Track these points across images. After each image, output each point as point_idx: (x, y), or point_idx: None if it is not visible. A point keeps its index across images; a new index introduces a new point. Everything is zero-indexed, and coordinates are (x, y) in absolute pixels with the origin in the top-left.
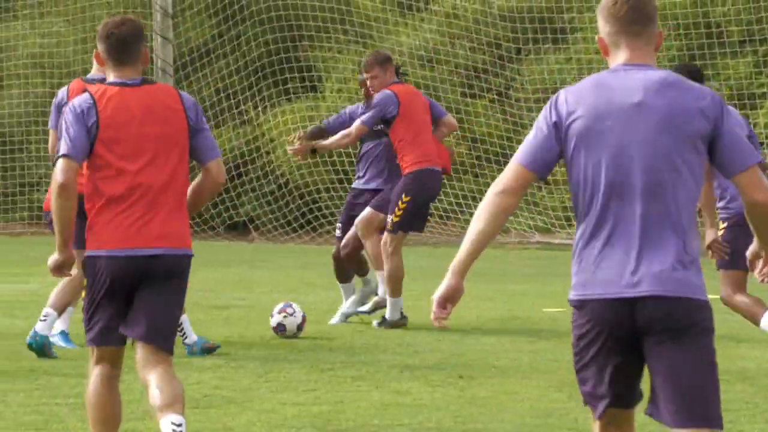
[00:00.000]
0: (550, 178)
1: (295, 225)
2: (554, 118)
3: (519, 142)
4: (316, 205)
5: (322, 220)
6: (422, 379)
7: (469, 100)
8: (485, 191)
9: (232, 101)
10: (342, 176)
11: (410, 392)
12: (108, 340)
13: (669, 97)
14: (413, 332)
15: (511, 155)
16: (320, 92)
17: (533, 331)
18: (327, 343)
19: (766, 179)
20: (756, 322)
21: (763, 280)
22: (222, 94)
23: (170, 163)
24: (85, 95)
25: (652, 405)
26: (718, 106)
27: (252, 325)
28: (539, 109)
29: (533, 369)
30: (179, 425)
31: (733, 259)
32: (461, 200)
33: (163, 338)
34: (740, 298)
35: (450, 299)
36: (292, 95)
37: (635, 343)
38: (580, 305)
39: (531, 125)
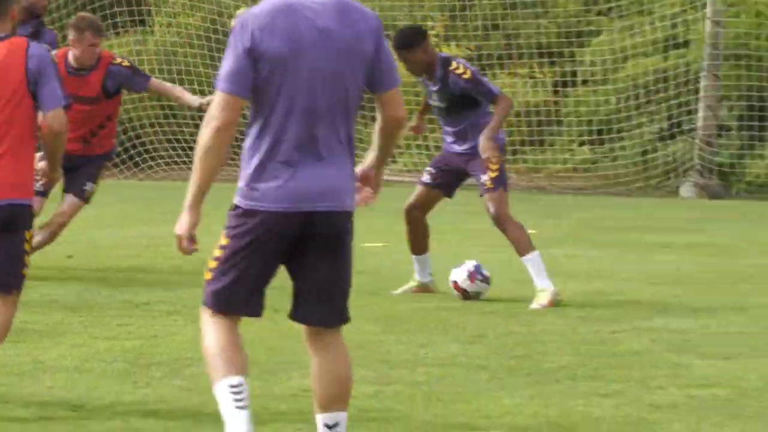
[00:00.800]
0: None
1: (116, 160)
2: (247, 44)
3: None
4: (140, 140)
5: (145, 156)
6: None
7: None
8: None
9: (59, 35)
10: (168, 111)
11: None
12: None
13: (348, 22)
14: None
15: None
16: (149, 26)
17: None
18: (143, 277)
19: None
20: (521, 251)
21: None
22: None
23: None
24: None
25: (296, 310)
26: (381, 27)
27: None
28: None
29: (350, 302)
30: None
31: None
32: None
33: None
34: (513, 221)
35: (194, 232)
36: (120, 29)
37: (291, 251)
38: (250, 213)
39: None
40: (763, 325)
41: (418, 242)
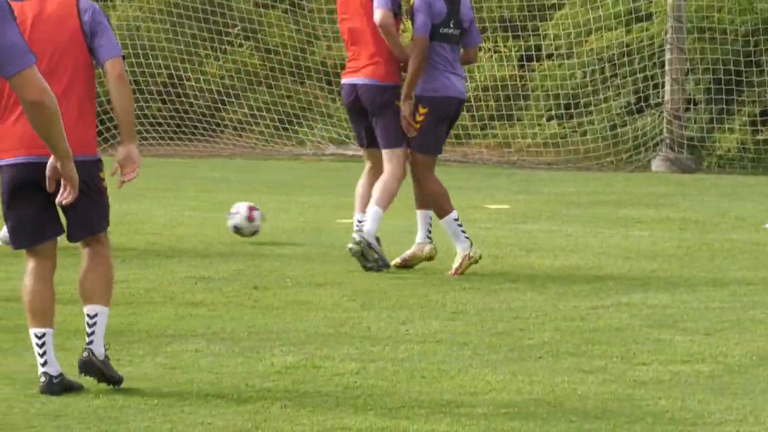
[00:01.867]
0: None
1: None
2: None
3: (313, 53)
4: (108, 115)
5: (114, 131)
6: (217, 291)
7: (262, 10)
8: (279, 103)
9: None
10: (133, 87)
11: (204, 303)
12: None
13: None
14: (207, 244)
15: (306, 66)
16: (110, 1)
17: (327, 241)
18: (120, 254)
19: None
20: (440, 213)
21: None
22: None
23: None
24: None
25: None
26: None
27: None
28: (333, 21)
29: (327, 279)
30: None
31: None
32: (255, 111)
33: None
34: (435, 183)
35: None
36: None
37: None
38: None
39: (325, 36)
40: (744, 300)
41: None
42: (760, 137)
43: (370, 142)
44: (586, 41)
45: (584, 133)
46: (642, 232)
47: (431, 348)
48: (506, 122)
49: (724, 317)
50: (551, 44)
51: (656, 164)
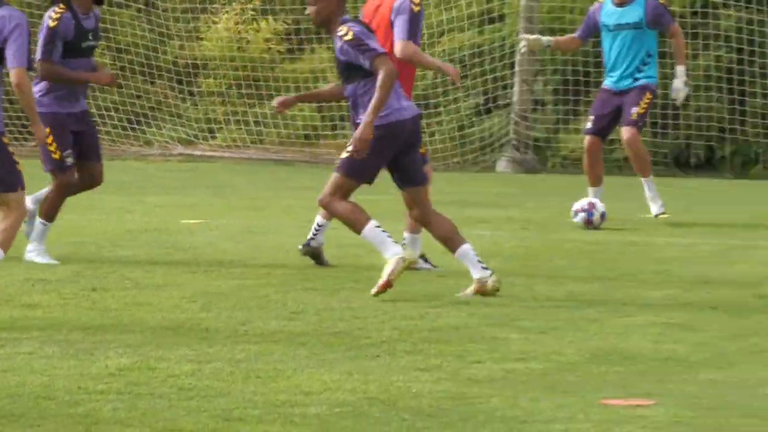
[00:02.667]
0: (195, 89)
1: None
2: None
3: (165, 52)
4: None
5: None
6: (54, 293)
7: (115, 9)
8: (128, 102)
9: None
10: None
11: (41, 305)
12: None
13: None
14: (48, 245)
15: (157, 66)
16: None
17: (169, 242)
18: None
19: None
20: (358, 229)
21: None
22: None
23: None
24: None
25: None
26: None
27: None
28: (186, 20)
29: (167, 281)
30: None
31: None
32: (103, 111)
33: None
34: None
35: None
36: None
37: None
38: None
39: (177, 36)
40: (579, 299)
41: None
42: None
43: None
44: (439, 42)
45: (432, 134)
46: (484, 231)
47: (268, 348)
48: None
49: (559, 316)
50: None
51: (502, 165)
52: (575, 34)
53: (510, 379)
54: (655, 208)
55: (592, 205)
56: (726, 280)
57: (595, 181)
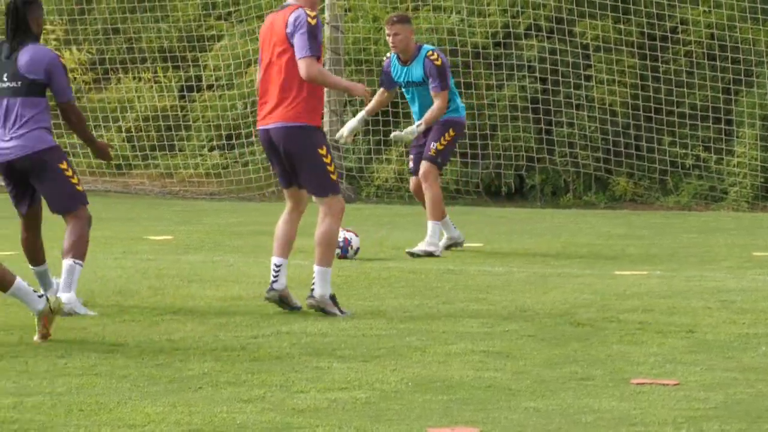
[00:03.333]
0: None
1: None
2: None
3: None
4: None
5: None
6: None
7: None
8: None
9: None
10: None
11: None
12: None
13: None
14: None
15: None
16: None
17: None
18: None
19: None
20: None
21: None
22: None
23: None
24: None
25: None
26: None
27: None
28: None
29: None
30: None
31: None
32: None
33: None
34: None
35: None
36: None
37: None
38: None
39: None
40: (399, 327)
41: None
42: None
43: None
44: (246, 72)
45: (246, 164)
46: (301, 261)
47: (90, 381)
48: (168, 152)
49: (380, 344)
50: (211, 75)
51: None
52: (381, 88)
53: (334, 408)
54: (421, 246)
55: (347, 240)
56: (542, 308)
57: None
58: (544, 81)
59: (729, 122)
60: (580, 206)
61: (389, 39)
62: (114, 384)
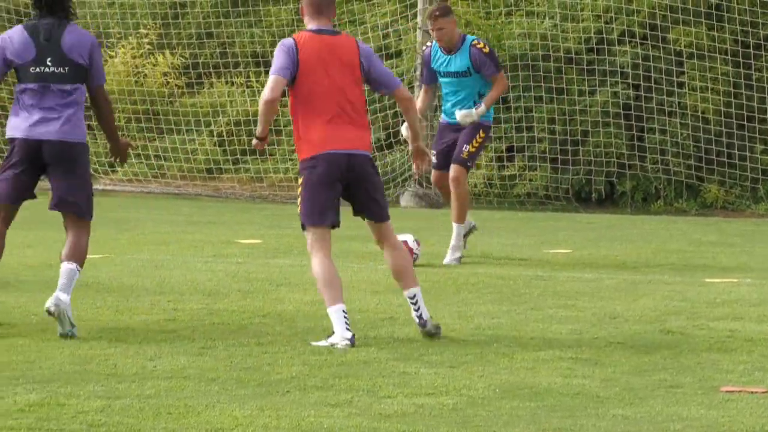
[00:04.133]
0: (93, 122)
1: None
2: None
3: None
4: None
5: None
6: None
7: None
8: None
9: None
10: None
11: None
12: None
13: None
14: None
15: None
16: None
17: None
18: None
19: None
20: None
21: None
22: None
23: None
24: None
25: None
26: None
27: None
28: None
29: (75, 316)
30: None
31: None
32: (1, 146)
33: None
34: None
35: None
36: None
37: None
38: None
39: None
40: (487, 333)
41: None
42: (505, 173)
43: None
44: None
45: None
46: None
47: (178, 384)
48: (258, 156)
49: (468, 350)
50: None
51: (405, 199)
52: (423, 86)
53: (421, 413)
54: (449, 257)
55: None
56: (631, 315)
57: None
58: (636, 87)
59: None
60: (670, 213)
61: (433, 34)
62: (203, 387)
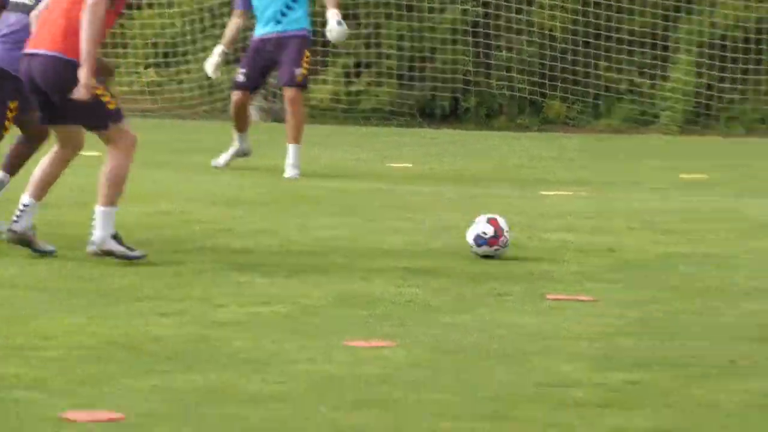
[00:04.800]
0: None
1: None
2: None
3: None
4: None
5: None
6: None
7: None
8: None
9: None
10: None
11: None
12: None
13: None
14: None
15: None
16: None
17: None
18: None
19: None
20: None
21: None
22: None
23: None
24: None
25: None
26: None
27: None
28: None
29: None
30: None
31: None
32: None
33: None
34: None
35: None
36: None
37: None
38: None
39: None
40: (325, 245)
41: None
42: (352, 88)
43: None
44: None
45: (180, 82)
46: (231, 179)
47: (8, 293)
48: None
49: (305, 261)
50: None
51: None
52: (237, 8)
53: (254, 322)
54: (290, 172)
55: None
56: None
57: (242, 127)
58: (486, 5)
59: (666, 48)
60: (513, 129)
61: None
62: (32, 296)
